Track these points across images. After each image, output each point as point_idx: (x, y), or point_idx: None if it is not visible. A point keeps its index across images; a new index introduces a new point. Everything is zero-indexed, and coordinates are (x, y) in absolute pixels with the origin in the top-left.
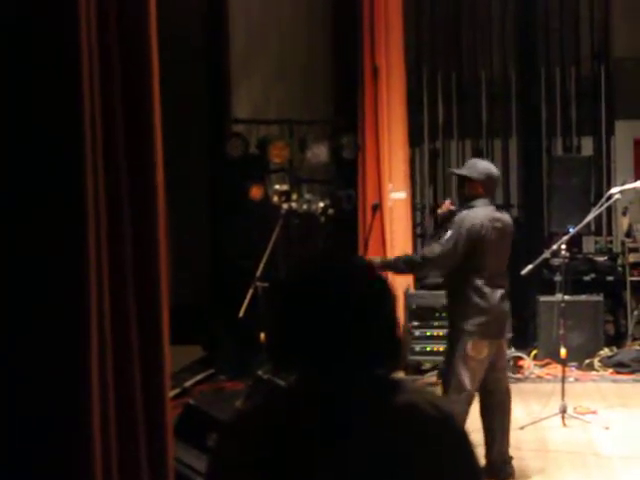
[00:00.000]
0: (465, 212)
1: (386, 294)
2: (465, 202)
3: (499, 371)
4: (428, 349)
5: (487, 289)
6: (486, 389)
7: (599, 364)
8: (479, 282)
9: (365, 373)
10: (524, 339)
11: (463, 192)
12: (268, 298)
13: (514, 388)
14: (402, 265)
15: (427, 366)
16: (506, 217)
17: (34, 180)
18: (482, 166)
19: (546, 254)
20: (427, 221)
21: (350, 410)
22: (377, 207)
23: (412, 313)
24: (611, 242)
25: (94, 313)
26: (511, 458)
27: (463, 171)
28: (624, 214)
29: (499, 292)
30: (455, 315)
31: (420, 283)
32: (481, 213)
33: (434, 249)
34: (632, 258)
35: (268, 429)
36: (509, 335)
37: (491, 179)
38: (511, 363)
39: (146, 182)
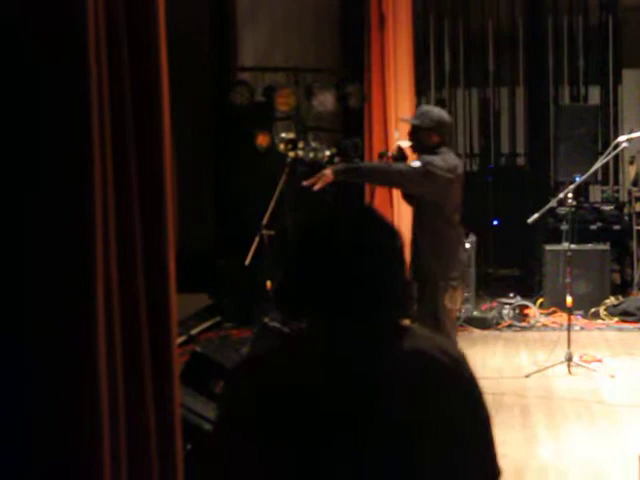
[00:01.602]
0: (429, 157)
1: (396, 242)
2: (423, 151)
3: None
4: None
5: (462, 239)
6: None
7: (605, 313)
8: (453, 233)
9: (375, 320)
10: (530, 288)
11: (418, 140)
12: (279, 246)
13: (520, 336)
14: (353, 169)
15: None
16: (460, 163)
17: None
18: (433, 114)
19: (552, 203)
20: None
21: (360, 358)
22: (384, 155)
23: None
24: (618, 191)
25: (100, 261)
26: None
27: (414, 121)
28: (631, 163)
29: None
30: (432, 267)
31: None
32: (440, 159)
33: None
34: (638, 207)
35: (277, 375)
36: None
37: (443, 126)
38: (517, 312)
39: (152, 129)
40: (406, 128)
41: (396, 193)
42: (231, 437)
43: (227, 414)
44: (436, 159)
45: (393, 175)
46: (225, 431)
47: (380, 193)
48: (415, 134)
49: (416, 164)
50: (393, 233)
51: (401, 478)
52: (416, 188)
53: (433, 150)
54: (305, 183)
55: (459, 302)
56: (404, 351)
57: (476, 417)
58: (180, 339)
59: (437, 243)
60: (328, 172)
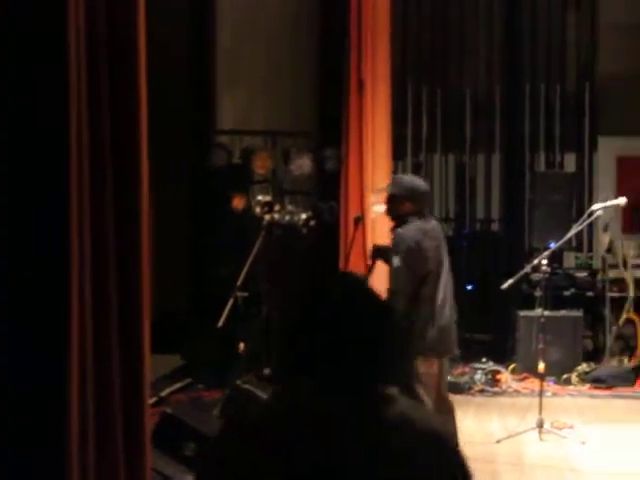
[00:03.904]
0: (400, 230)
1: (393, 316)
2: (396, 219)
3: (444, 387)
4: None
5: (436, 303)
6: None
7: (577, 379)
8: (427, 296)
9: (364, 388)
10: (503, 353)
11: (393, 210)
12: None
13: (492, 402)
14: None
15: None
16: (437, 226)
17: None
18: (406, 182)
19: (527, 269)
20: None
21: (343, 424)
22: (360, 220)
23: None
24: (591, 258)
25: (75, 320)
26: None
27: (389, 189)
28: (605, 230)
29: (447, 305)
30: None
31: None
32: (413, 228)
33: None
34: (612, 274)
35: (257, 441)
36: (456, 352)
37: (417, 193)
38: (489, 377)
39: (131, 190)
40: (382, 192)
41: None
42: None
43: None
44: (406, 241)
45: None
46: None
47: (356, 254)
48: (390, 202)
49: (396, 263)
50: (385, 305)
51: None
52: (415, 278)
53: (405, 218)
54: None
55: (435, 367)
56: (389, 418)
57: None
58: (150, 400)
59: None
60: None
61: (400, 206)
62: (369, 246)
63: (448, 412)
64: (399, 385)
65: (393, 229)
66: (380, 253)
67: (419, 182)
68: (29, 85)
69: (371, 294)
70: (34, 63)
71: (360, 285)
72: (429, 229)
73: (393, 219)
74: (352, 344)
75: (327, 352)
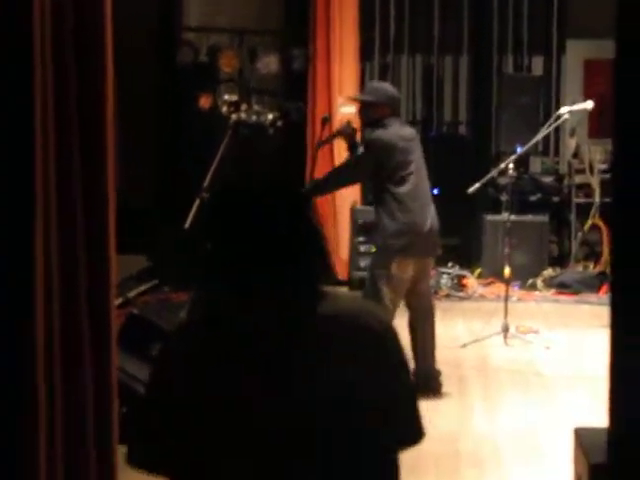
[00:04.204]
0: (379, 131)
1: (307, 208)
2: (375, 123)
3: (421, 291)
4: None
5: (411, 205)
6: (409, 306)
7: (542, 284)
8: (403, 199)
9: (293, 286)
10: (469, 258)
11: (369, 115)
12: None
13: (457, 306)
14: (312, 187)
15: None
16: (413, 131)
17: None
18: (385, 89)
19: (493, 173)
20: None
21: (281, 321)
22: (327, 120)
23: (358, 228)
24: (558, 163)
25: (40, 218)
26: (438, 373)
27: (368, 97)
28: (572, 135)
29: (426, 208)
30: (380, 231)
31: (367, 199)
32: (392, 130)
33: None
34: (578, 179)
35: (207, 342)
36: (438, 252)
37: (395, 100)
38: (455, 281)
39: (94, 88)
40: (349, 93)
41: (337, 151)
42: (161, 397)
43: (159, 375)
44: (378, 132)
45: (344, 173)
46: (156, 392)
47: (322, 154)
48: (366, 108)
49: (360, 150)
50: (301, 197)
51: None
52: (367, 171)
53: (383, 122)
54: None
55: (409, 271)
56: (322, 314)
57: (400, 377)
58: (117, 301)
59: (378, 210)
60: None
61: (377, 110)
62: (335, 146)
63: (425, 317)
64: (321, 282)
65: (366, 128)
66: (345, 134)
67: (394, 89)
68: None
69: (282, 190)
70: None
71: (271, 181)
72: (407, 135)
73: (367, 124)
74: (263, 243)
75: (239, 256)
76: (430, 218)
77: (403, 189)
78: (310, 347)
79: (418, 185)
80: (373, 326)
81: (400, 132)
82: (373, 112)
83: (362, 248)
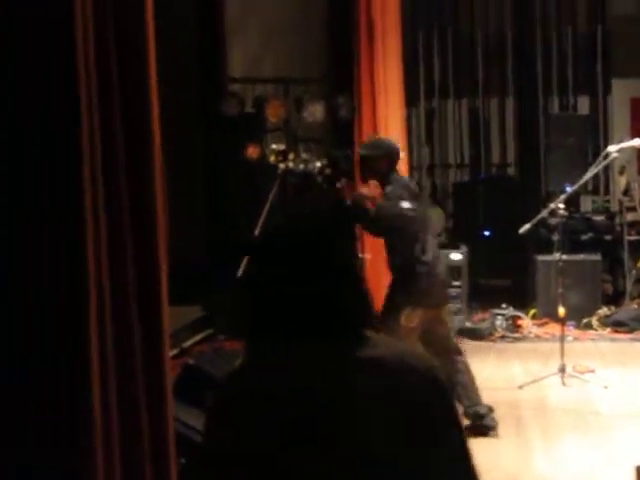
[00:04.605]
0: (390, 188)
1: (353, 255)
2: (383, 178)
3: (442, 336)
4: None
5: (424, 257)
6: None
7: (597, 323)
8: (415, 251)
9: (337, 331)
10: (522, 299)
11: (375, 169)
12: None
13: (513, 347)
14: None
15: None
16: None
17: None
18: (385, 144)
19: (544, 213)
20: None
21: (324, 369)
22: None
23: None
24: (608, 201)
25: (92, 275)
26: (490, 410)
27: (370, 152)
28: (621, 173)
29: (437, 260)
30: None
31: None
32: (401, 187)
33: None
34: (629, 217)
35: (250, 392)
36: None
37: (394, 153)
38: (510, 322)
39: (142, 143)
40: (396, 139)
41: None
42: (216, 449)
43: (212, 429)
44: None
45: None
46: (209, 442)
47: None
48: (367, 163)
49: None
50: (349, 245)
51: None
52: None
53: (387, 178)
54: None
55: (416, 321)
56: (366, 358)
57: (450, 418)
58: (172, 352)
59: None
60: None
61: (377, 165)
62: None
63: (454, 361)
64: (368, 327)
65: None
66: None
67: (393, 142)
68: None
69: (330, 237)
70: None
71: (320, 228)
72: (412, 187)
73: (378, 178)
74: (309, 289)
75: (285, 301)
76: (440, 268)
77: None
78: (354, 394)
79: (428, 242)
80: (418, 369)
81: (406, 185)
82: (373, 166)
83: None
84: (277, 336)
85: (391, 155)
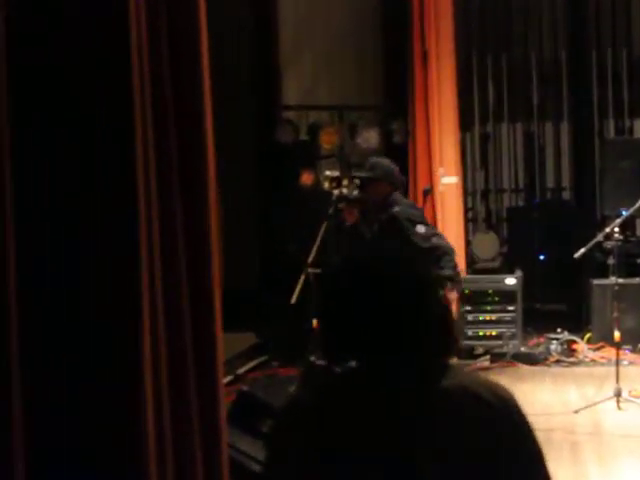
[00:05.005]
0: (398, 208)
1: (434, 284)
2: (385, 199)
3: None
4: (481, 334)
5: None
6: None
7: None
8: None
9: (422, 359)
10: (577, 323)
11: (377, 190)
12: (322, 289)
13: (568, 372)
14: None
15: (480, 351)
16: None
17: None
18: (382, 164)
19: (599, 237)
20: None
21: (409, 395)
22: (429, 192)
23: (465, 297)
24: None
25: (146, 300)
26: None
27: (368, 173)
28: None
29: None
30: None
31: (472, 268)
32: (409, 206)
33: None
34: None
35: (325, 416)
36: None
37: (394, 175)
38: (565, 347)
39: (197, 170)
40: (450, 164)
41: (441, 223)
42: (276, 476)
43: (276, 454)
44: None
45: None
46: (274, 472)
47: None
48: (368, 185)
49: (422, 230)
50: (430, 277)
51: None
52: None
53: (391, 198)
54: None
55: None
56: (449, 387)
57: (526, 450)
58: (226, 379)
59: None
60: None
61: (377, 186)
62: (438, 218)
63: None
64: (449, 354)
65: (381, 209)
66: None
67: (392, 164)
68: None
69: (411, 265)
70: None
71: (395, 257)
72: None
73: (385, 198)
74: (391, 318)
75: (371, 327)
76: None
77: None
78: (434, 422)
79: None
80: (499, 399)
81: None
82: (373, 189)
83: (470, 317)
84: (362, 364)
85: (390, 176)
